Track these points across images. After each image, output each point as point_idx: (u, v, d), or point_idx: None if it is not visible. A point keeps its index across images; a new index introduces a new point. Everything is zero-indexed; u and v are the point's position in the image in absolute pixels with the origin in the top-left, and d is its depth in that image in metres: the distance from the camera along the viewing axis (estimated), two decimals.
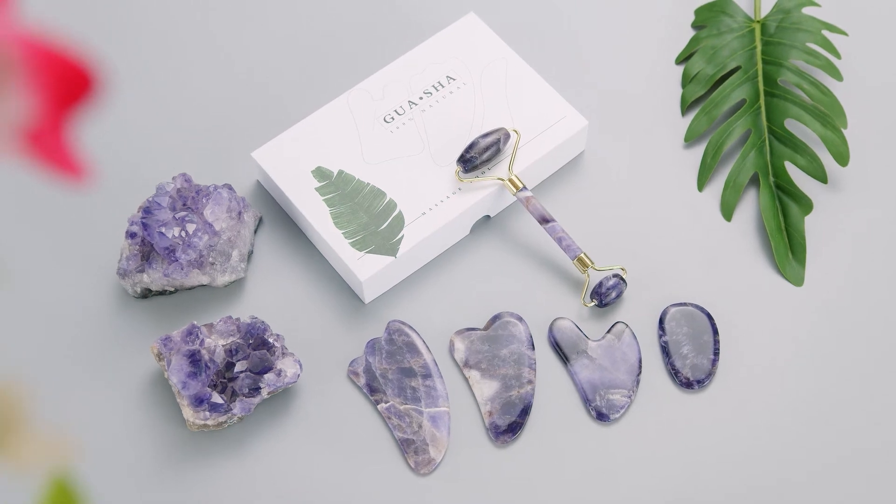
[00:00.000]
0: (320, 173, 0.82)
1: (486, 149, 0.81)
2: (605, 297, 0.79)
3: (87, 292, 0.81)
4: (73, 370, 0.78)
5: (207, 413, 0.74)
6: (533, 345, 0.78)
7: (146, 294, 0.80)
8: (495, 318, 0.79)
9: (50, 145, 0.39)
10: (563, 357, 0.78)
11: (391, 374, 0.77)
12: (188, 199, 0.79)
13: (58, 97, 0.38)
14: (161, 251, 0.78)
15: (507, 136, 0.82)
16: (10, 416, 0.41)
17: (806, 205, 0.82)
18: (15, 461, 0.41)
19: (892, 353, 0.79)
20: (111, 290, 0.81)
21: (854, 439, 0.76)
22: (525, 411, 0.76)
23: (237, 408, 0.74)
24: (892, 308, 0.80)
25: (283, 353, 0.76)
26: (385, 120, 0.84)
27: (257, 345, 0.75)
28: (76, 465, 0.45)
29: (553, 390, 0.77)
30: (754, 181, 0.84)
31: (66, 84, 0.38)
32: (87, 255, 0.82)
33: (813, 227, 0.82)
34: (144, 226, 0.78)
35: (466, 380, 0.78)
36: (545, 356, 0.79)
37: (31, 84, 0.38)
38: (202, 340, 0.75)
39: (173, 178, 0.80)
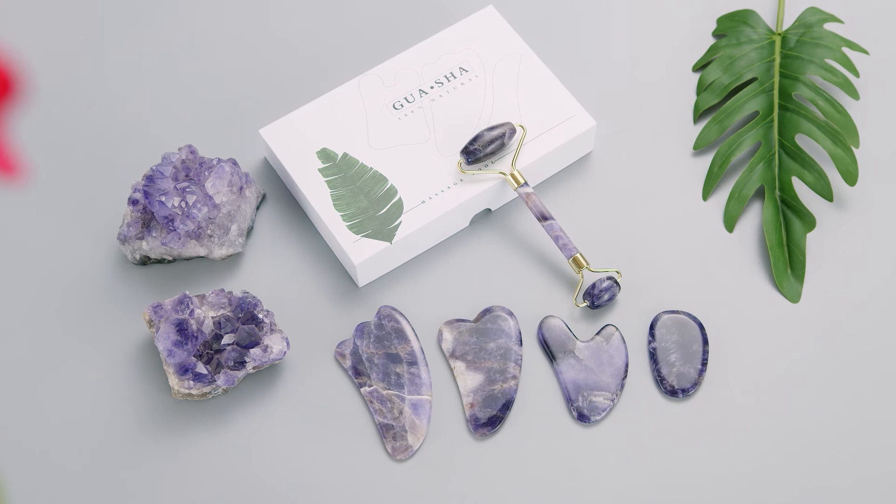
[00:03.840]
0: (325, 154, 0.82)
1: (491, 142, 0.81)
2: (597, 298, 0.79)
3: (88, 255, 0.82)
4: (67, 330, 0.79)
5: (192, 382, 0.75)
6: (521, 341, 0.78)
7: (145, 261, 0.81)
8: (486, 311, 0.79)
9: None
10: (550, 355, 0.78)
11: (377, 358, 0.78)
12: (191, 170, 0.80)
13: None
14: (160, 220, 0.79)
15: (513, 130, 0.82)
16: None
17: (809, 222, 0.81)
18: None
19: (882, 378, 0.78)
20: (112, 254, 0.82)
21: (840, 465, 0.75)
22: (506, 406, 0.76)
23: (221, 379, 0.75)
24: (885, 332, 0.79)
25: (272, 330, 0.77)
26: (394, 107, 0.84)
27: (246, 319, 0.76)
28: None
29: (537, 387, 0.77)
30: (759, 194, 0.84)
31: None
32: (92, 220, 0.83)
33: (814, 244, 0.82)
34: (146, 194, 0.79)
35: (451, 370, 0.78)
36: (532, 353, 0.79)
37: None
38: (192, 311, 0.75)
39: (179, 149, 0.80)
